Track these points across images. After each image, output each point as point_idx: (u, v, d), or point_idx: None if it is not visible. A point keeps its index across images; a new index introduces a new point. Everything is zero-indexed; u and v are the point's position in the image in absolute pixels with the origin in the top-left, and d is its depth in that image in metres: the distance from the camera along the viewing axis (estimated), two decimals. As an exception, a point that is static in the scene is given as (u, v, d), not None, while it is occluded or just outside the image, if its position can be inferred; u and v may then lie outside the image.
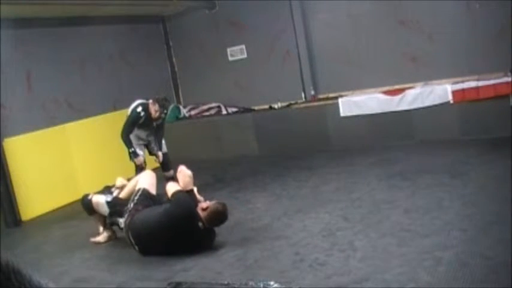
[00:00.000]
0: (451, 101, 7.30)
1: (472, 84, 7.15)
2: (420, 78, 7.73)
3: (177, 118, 9.38)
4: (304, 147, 8.21)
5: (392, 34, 7.93)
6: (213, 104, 9.42)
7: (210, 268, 4.20)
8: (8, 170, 6.81)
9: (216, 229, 4.68)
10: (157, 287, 3.90)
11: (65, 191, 7.39)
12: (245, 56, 9.24)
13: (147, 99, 6.21)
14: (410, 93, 7.57)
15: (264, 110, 8.99)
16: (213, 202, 4.66)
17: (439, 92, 7.37)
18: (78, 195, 6.61)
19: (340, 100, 8.10)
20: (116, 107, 8.39)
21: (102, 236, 5.35)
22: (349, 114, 8.00)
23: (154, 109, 6.09)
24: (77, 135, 7.85)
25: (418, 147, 7.30)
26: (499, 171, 5.49)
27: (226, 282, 3.52)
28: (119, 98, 8.37)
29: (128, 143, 6.11)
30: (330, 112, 8.17)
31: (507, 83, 6.88)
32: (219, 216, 4.60)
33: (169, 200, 4.66)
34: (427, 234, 4.16)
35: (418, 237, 4.14)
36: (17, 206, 6.85)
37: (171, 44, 9.97)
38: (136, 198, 4.84)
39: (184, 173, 4.67)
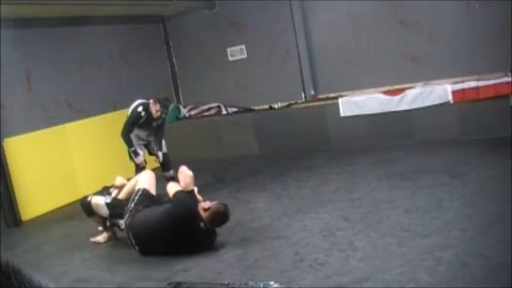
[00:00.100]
0: (451, 101, 7.30)
1: (472, 84, 7.16)
2: (420, 78, 7.73)
3: (177, 118, 9.38)
4: (304, 147, 8.21)
5: (392, 34, 7.93)
6: (213, 104, 9.42)
7: (210, 268, 4.20)
8: (8, 170, 6.81)
9: (217, 229, 4.68)
10: (157, 287, 3.90)
11: (65, 191, 7.39)
12: (245, 56, 9.25)
13: (148, 99, 6.20)
14: (410, 93, 7.57)
15: (264, 110, 8.99)
16: (214, 202, 4.67)
17: (439, 92, 7.37)
18: (78, 195, 6.62)
19: (340, 100, 8.10)
20: (116, 107, 8.39)
21: (102, 236, 5.35)
22: (349, 114, 8.00)
23: (155, 109, 6.08)
24: (77, 135, 7.85)
25: (418, 147, 7.30)
26: (499, 171, 5.49)
27: (226, 282, 3.52)
28: (119, 98, 8.37)
29: (129, 142, 6.11)
30: (330, 112, 8.17)
31: (507, 83, 6.88)
32: (220, 216, 4.60)
33: (170, 200, 4.66)
34: (427, 234, 4.16)
35: (418, 237, 4.14)
36: (17, 206, 6.85)
37: (171, 44, 9.97)
38: (136, 198, 4.84)
39: (185, 174, 4.67)
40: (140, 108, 6.11)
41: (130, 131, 6.13)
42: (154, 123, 6.30)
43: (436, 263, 3.61)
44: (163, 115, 6.27)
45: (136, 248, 4.71)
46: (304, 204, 5.56)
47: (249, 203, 5.95)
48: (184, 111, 9.53)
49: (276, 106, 8.87)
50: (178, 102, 9.97)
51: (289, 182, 6.60)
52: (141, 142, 6.32)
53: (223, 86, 9.38)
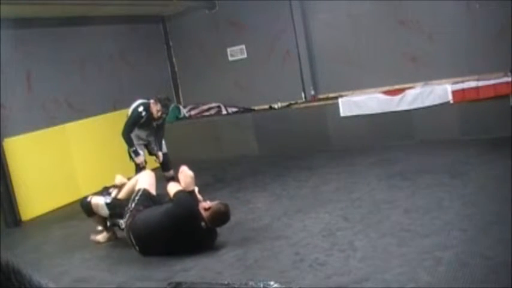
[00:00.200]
0: (451, 101, 7.30)
1: (472, 84, 7.15)
2: (420, 78, 7.73)
3: (177, 118, 9.38)
4: (304, 147, 8.21)
5: (392, 34, 7.93)
6: (213, 104, 9.42)
7: (210, 268, 4.20)
8: (8, 170, 6.81)
9: (217, 229, 4.69)
10: (157, 287, 3.90)
11: (65, 191, 7.39)
12: (245, 56, 9.24)
13: (148, 99, 6.20)
14: (410, 93, 7.58)
15: (264, 110, 8.99)
16: (215, 202, 4.67)
17: (439, 92, 7.37)
18: (78, 195, 6.64)
19: (340, 100, 8.10)
20: (116, 107, 8.39)
21: (102, 236, 5.35)
22: (349, 114, 8.00)
23: (156, 109, 6.08)
24: (77, 135, 7.85)
25: (418, 147, 7.30)
26: (499, 171, 5.49)
27: (226, 282, 3.52)
28: (119, 98, 8.37)
29: (129, 142, 6.11)
30: (330, 112, 8.17)
31: (507, 83, 6.88)
32: (221, 216, 4.60)
33: (170, 200, 4.66)
34: (427, 234, 4.16)
35: (418, 237, 4.14)
36: (17, 206, 6.85)
37: (171, 44, 9.97)
38: (137, 198, 4.84)
39: (186, 174, 4.68)
40: (141, 108, 6.11)
41: (131, 131, 6.13)
42: (155, 123, 6.30)
43: (436, 263, 3.61)
44: (163, 115, 6.27)
45: (137, 248, 4.71)
46: (304, 204, 5.56)
47: (249, 203, 5.95)
48: (184, 111, 9.53)
49: (276, 106, 8.87)
50: (178, 102, 9.97)
51: (289, 182, 6.60)
52: (141, 142, 6.32)
53: (223, 86, 9.37)
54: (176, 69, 10.03)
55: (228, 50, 9.36)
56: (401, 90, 7.69)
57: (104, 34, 8.58)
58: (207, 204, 4.60)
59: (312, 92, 8.72)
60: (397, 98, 7.65)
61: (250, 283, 3.36)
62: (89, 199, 5.16)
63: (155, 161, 6.50)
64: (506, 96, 6.91)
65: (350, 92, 8.27)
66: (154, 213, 4.65)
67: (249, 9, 8.93)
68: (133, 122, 6.13)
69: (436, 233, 4.16)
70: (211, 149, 9.03)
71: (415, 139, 7.59)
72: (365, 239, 4.30)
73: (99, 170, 7.63)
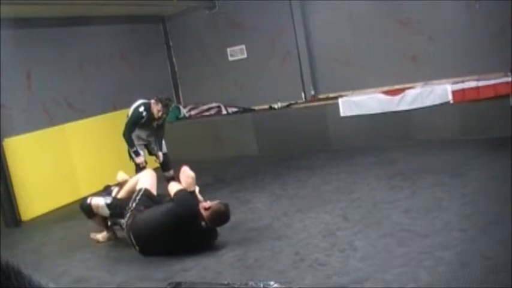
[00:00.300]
0: (451, 101, 7.30)
1: (472, 84, 7.15)
2: (420, 78, 7.73)
3: (177, 118, 9.38)
4: (304, 147, 8.21)
5: (393, 34, 7.93)
6: (213, 104, 9.42)
7: (210, 268, 4.20)
8: (8, 170, 6.81)
9: (217, 229, 4.69)
10: (157, 287, 3.90)
11: (65, 191, 7.39)
12: (245, 56, 9.24)
13: (149, 99, 6.20)
14: (410, 93, 7.58)
15: (264, 110, 8.99)
16: (215, 202, 4.68)
17: (439, 92, 7.37)
18: (78, 195, 6.64)
19: (340, 100, 8.10)
20: (116, 107, 8.39)
21: (102, 236, 5.34)
22: (349, 114, 8.00)
23: (157, 109, 6.07)
24: (77, 135, 7.85)
25: (418, 147, 7.29)
26: (499, 171, 5.49)
27: (226, 282, 3.52)
28: (119, 98, 8.37)
29: (130, 143, 6.10)
30: (330, 112, 8.17)
31: (507, 83, 6.88)
32: (221, 216, 4.61)
33: (171, 200, 4.66)
34: (427, 234, 4.16)
35: (418, 237, 4.14)
36: (17, 206, 6.85)
37: (171, 44, 9.97)
38: (138, 198, 4.84)
39: (187, 174, 4.68)
40: (142, 108, 6.11)
41: (132, 131, 6.12)
42: (155, 123, 6.30)
43: (436, 263, 3.61)
44: (164, 115, 6.27)
45: (137, 248, 4.71)
46: (304, 204, 5.56)
47: (249, 203, 5.95)
48: (184, 111, 9.53)
49: (276, 106, 8.87)
50: (178, 102, 9.96)
51: (289, 182, 6.60)
52: (141, 142, 6.32)
53: (223, 86, 9.37)
54: (176, 69, 10.03)
55: (228, 50, 9.36)
56: (401, 90, 7.69)
57: (104, 34, 8.57)
58: (207, 204, 4.61)
59: (312, 92, 8.72)
60: (397, 98, 7.66)
61: (250, 283, 3.36)
62: (88, 201, 5.14)
63: (155, 161, 6.50)
64: (506, 96, 6.91)
65: (350, 92, 8.27)
66: (154, 213, 4.65)
67: (249, 9, 8.92)
68: (134, 122, 6.13)
69: (436, 233, 4.16)
70: (211, 149, 9.03)
71: (415, 139, 7.59)
72: (365, 239, 4.30)
73: (99, 170, 7.63)
